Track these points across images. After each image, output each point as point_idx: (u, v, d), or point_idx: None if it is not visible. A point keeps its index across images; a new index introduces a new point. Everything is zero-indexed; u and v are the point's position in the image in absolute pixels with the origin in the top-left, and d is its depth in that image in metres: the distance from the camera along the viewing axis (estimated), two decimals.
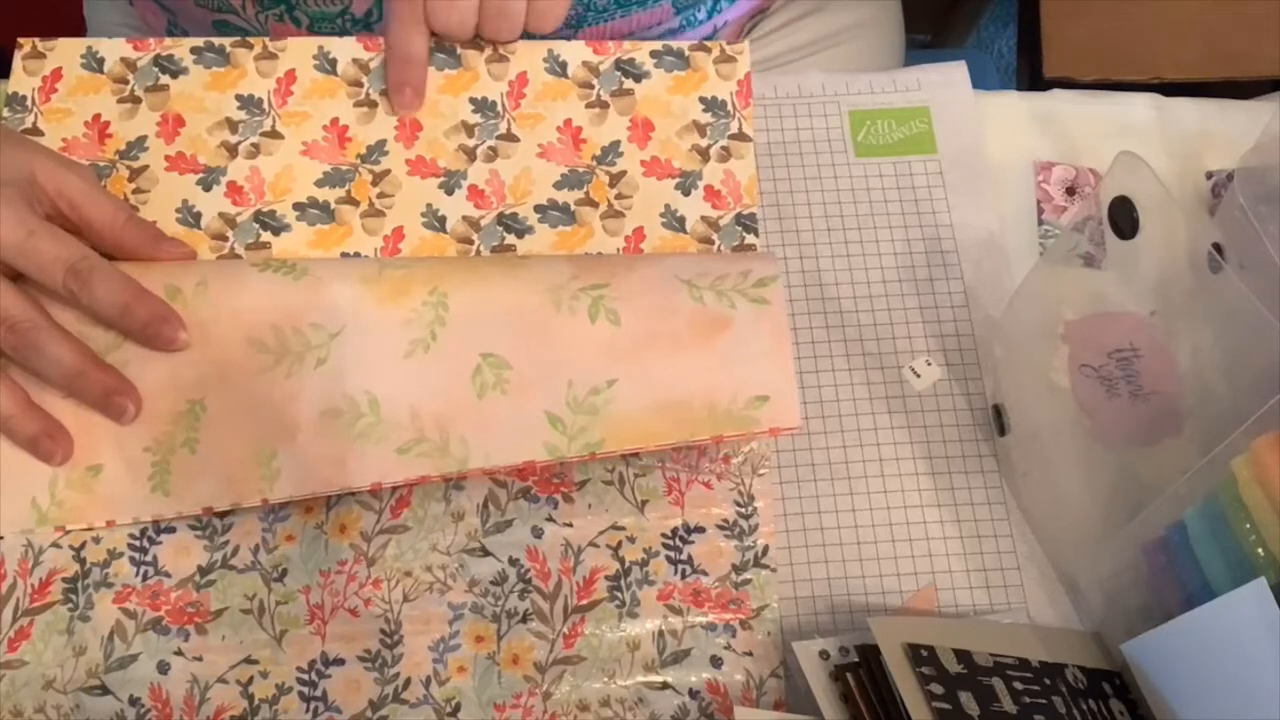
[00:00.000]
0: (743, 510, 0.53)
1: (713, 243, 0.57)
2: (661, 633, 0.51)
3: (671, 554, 0.53)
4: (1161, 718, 0.47)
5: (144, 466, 0.52)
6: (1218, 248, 0.44)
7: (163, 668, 0.50)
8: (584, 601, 0.52)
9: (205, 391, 0.52)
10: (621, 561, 0.52)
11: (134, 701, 0.50)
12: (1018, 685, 0.47)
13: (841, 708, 0.47)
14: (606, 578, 0.52)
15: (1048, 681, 0.48)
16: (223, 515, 0.53)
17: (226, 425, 0.52)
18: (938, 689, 0.45)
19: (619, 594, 0.52)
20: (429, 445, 0.51)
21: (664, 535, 0.53)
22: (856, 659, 0.48)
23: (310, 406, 0.51)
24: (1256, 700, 0.42)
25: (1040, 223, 0.61)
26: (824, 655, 0.49)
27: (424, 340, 0.52)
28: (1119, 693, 0.49)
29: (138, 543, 0.52)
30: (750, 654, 0.51)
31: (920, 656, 0.46)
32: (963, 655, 0.47)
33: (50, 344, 0.50)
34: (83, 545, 0.52)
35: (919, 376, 0.57)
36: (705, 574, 0.52)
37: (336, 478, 0.51)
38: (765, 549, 0.53)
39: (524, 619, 0.51)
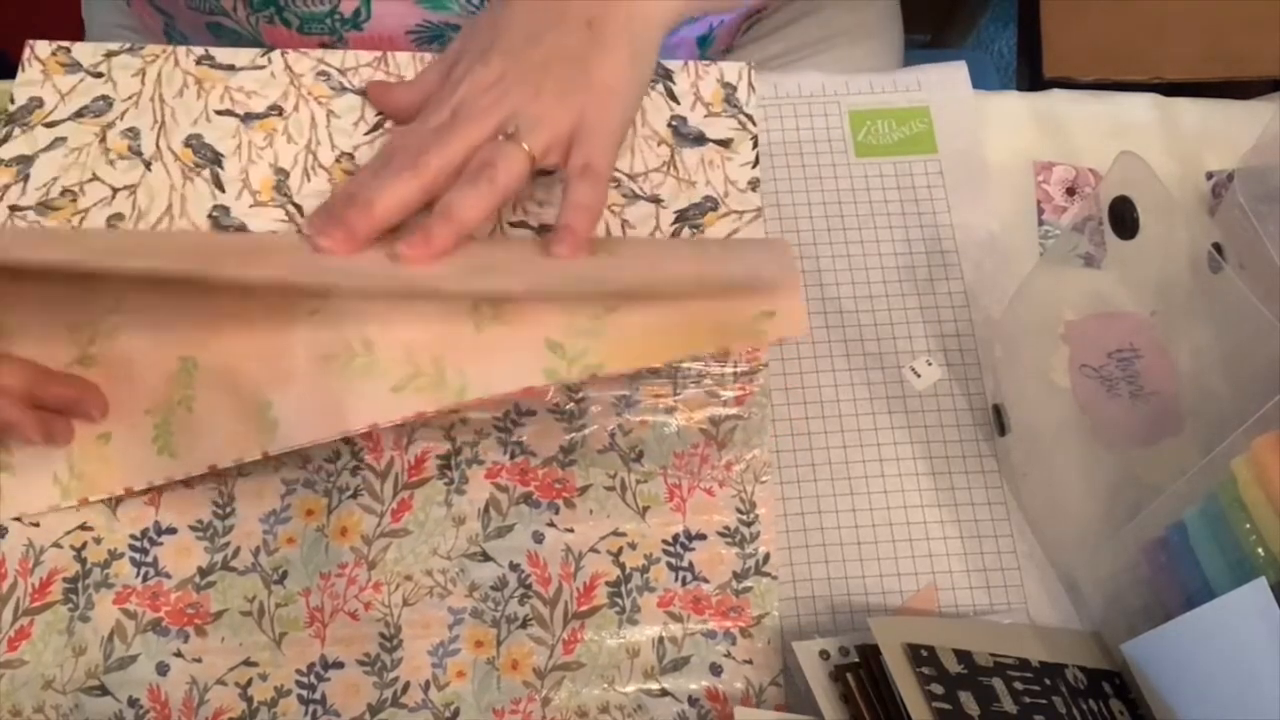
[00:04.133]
0: (744, 517, 0.53)
1: None
2: (661, 639, 0.51)
3: (672, 560, 0.52)
4: (1161, 718, 0.47)
5: (147, 429, 0.51)
6: (1218, 248, 0.44)
7: (162, 669, 0.50)
8: (584, 607, 0.52)
9: (194, 349, 0.51)
10: (622, 568, 0.52)
11: (133, 703, 0.50)
12: (1018, 685, 0.47)
13: (841, 708, 0.47)
14: (607, 584, 0.52)
15: (1048, 681, 0.48)
16: (223, 516, 0.53)
17: (220, 379, 0.51)
18: (938, 689, 0.45)
19: (619, 600, 0.52)
20: (425, 379, 0.50)
21: (665, 542, 0.53)
22: (856, 659, 0.48)
23: (304, 352, 0.51)
24: (1256, 700, 0.42)
25: (1040, 223, 0.61)
26: (824, 655, 0.49)
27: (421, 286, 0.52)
28: (1119, 693, 0.49)
29: (138, 543, 0.52)
30: (750, 662, 0.51)
31: (920, 656, 0.46)
32: (963, 655, 0.47)
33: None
34: (84, 545, 0.52)
35: (919, 376, 0.57)
36: (706, 581, 0.52)
37: (334, 422, 0.50)
38: (766, 556, 0.53)
39: (524, 624, 0.51)
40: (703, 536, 0.53)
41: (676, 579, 0.52)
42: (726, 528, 0.53)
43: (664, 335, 0.50)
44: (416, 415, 0.50)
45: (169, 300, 0.52)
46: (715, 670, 0.51)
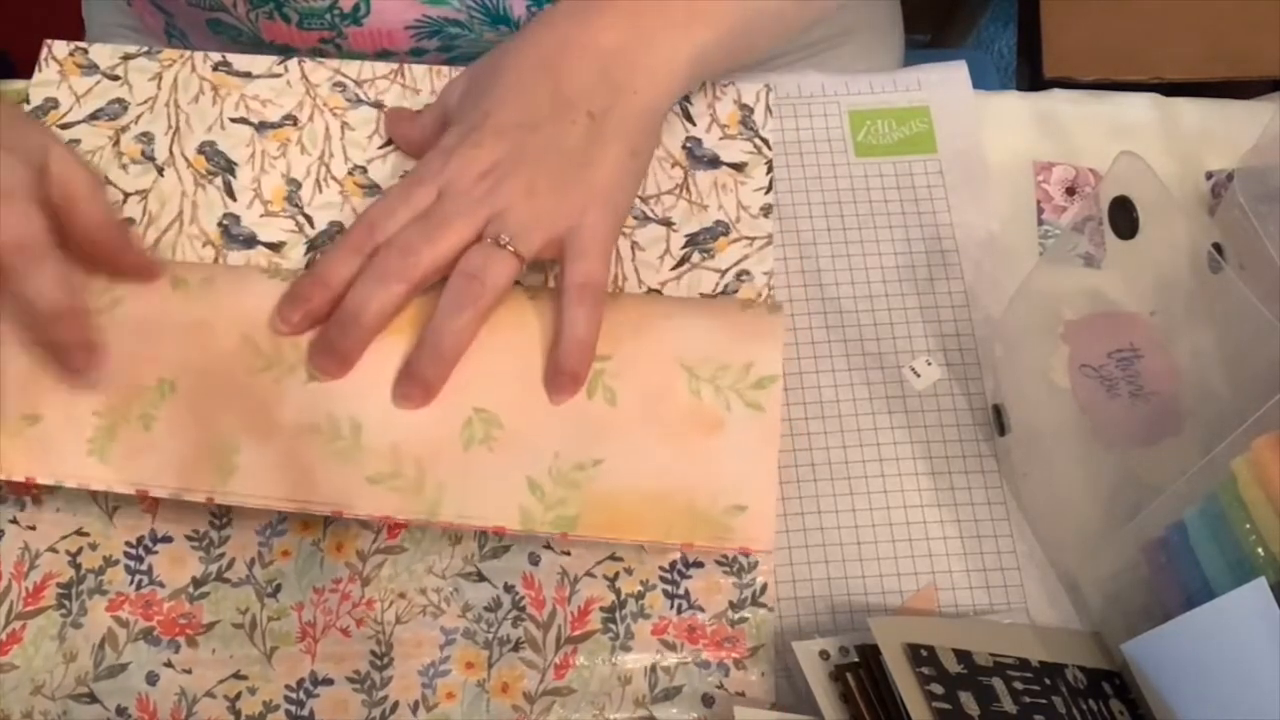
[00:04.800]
0: None
1: None
2: (654, 668, 0.51)
3: (669, 588, 0.52)
4: (1161, 718, 0.47)
5: (86, 429, 0.50)
6: (1218, 248, 0.44)
7: (151, 679, 0.50)
8: (577, 632, 0.51)
9: (179, 374, 0.51)
10: (618, 593, 0.52)
11: (121, 711, 0.49)
12: (1018, 685, 0.47)
13: (841, 708, 0.47)
14: (601, 609, 0.52)
15: (1048, 681, 0.48)
16: (220, 527, 0.52)
17: (193, 410, 0.50)
18: (938, 689, 0.45)
19: (613, 626, 0.51)
20: (403, 481, 0.50)
21: (662, 568, 0.52)
22: (856, 659, 0.48)
23: (290, 416, 0.50)
24: (1256, 700, 0.42)
25: (1040, 223, 0.61)
26: (824, 655, 0.49)
27: None
28: (1119, 693, 0.49)
29: (134, 550, 0.52)
30: (742, 694, 0.50)
31: (920, 656, 0.46)
32: (963, 655, 0.47)
33: (48, 272, 0.48)
34: (79, 551, 0.52)
35: (919, 376, 0.57)
36: (701, 610, 0.52)
37: (299, 490, 0.50)
38: (764, 587, 0.52)
39: (516, 647, 0.51)
40: (700, 565, 0.52)
41: (672, 606, 0.52)
42: (724, 556, 0.53)
43: (640, 506, 0.50)
44: (384, 517, 0.50)
45: (174, 328, 0.52)
46: (707, 701, 0.50)
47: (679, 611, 0.52)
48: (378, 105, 0.60)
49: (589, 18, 0.54)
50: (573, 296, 0.51)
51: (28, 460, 0.50)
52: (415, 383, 0.51)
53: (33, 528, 0.52)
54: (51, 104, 0.59)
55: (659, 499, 0.50)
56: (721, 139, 0.60)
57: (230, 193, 0.58)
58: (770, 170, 0.59)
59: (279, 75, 0.60)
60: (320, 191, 0.58)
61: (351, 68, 0.61)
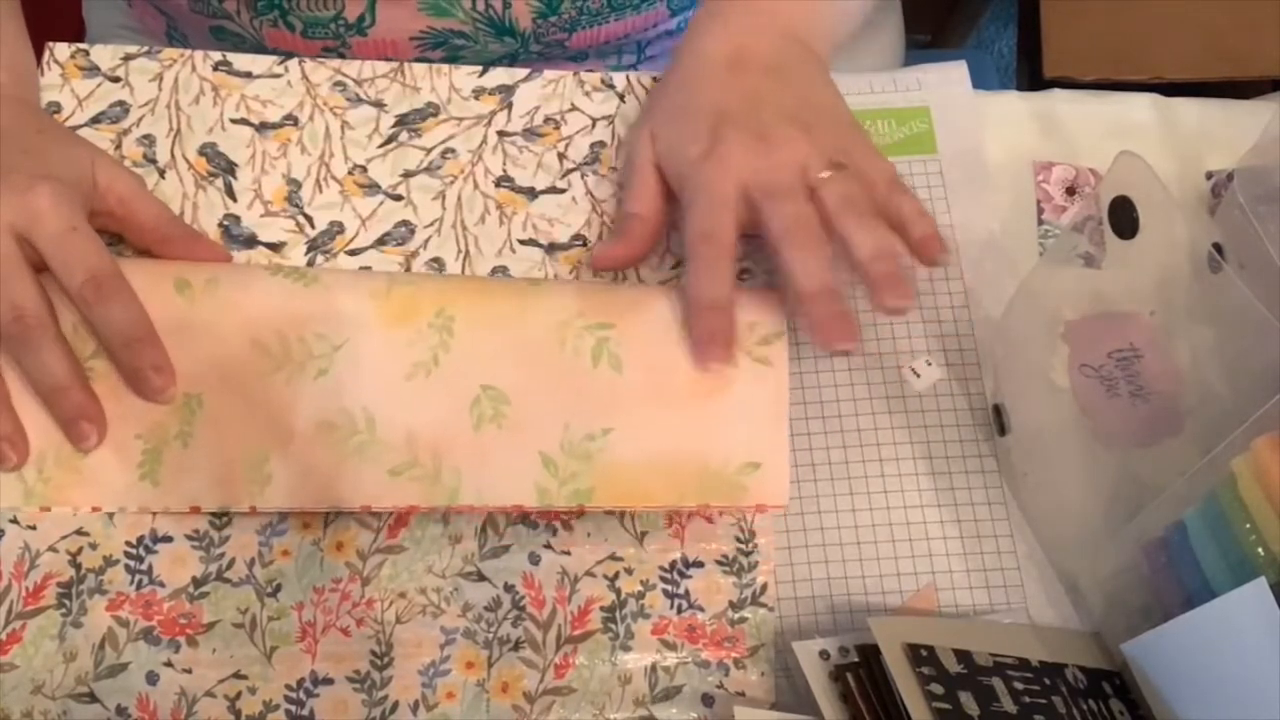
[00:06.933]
0: (743, 546, 0.53)
1: None
2: (654, 667, 0.51)
3: (669, 588, 0.52)
4: (1161, 718, 0.47)
5: (134, 453, 0.51)
6: (1218, 248, 0.44)
7: (151, 678, 0.50)
8: (577, 632, 0.51)
9: (203, 387, 0.51)
10: (618, 593, 0.52)
11: (121, 711, 0.49)
12: (1018, 685, 0.47)
13: (841, 708, 0.47)
14: (601, 609, 0.52)
15: (1048, 681, 0.48)
16: (220, 527, 0.52)
17: (221, 423, 0.51)
18: (938, 689, 0.45)
19: (613, 626, 0.51)
20: (421, 470, 0.51)
21: (662, 568, 0.52)
22: (856, 659, 0.48)
23: (307, 416, 0.51)
24: (1256, 700, 0.42)
25: (1040, 223, 0.61)
26: (824, 655, 0.49)
27: (426, 364, 0.52)
28: (1119, 693, 0.49)
29: (134, 550, 0.52)
30: (743, 694, 0.50)
31: (920, 656, 0.46)
32: (963, 655, 0.47)
33: (48, 350, 0.50)
34: (79, 550, 0.52)
35: (919, 376, 0.57)
36: (701, 609, 0.52)
37: (328, 493, 0.51)
38: (764, 587, 0.52)
39: (516, 646, 0.51)
40: (700, 564, 0.52)
41: (672, 606, 0.52)
42: (725, 556, 0.53)
43: (653, 473, 0.51)
44: (410, 508, 0.51)
45: (183, 334, 0.52)
46: (707, 701, 0.50)
47: (679, 611, 0.52)
48: (378, 104, 0.60)
49: (729, 17, 0.58)
50: (893, 192, 0.54)
51: (85, 491, 0.51)
52: (901, 288, 0.51)
53: (33, 527, 0.52)
54: (54, 108, 0.59)
55: (671, 464, 0.51)
56: None
57: (230, 193, 0.58)
58: None
59: (279, 75, 0.60)
60: (320, 191, 0.58)
61: (351, 67, 0.61)
